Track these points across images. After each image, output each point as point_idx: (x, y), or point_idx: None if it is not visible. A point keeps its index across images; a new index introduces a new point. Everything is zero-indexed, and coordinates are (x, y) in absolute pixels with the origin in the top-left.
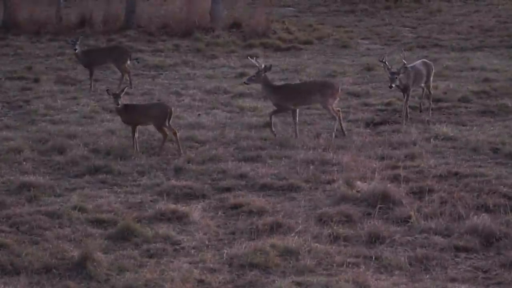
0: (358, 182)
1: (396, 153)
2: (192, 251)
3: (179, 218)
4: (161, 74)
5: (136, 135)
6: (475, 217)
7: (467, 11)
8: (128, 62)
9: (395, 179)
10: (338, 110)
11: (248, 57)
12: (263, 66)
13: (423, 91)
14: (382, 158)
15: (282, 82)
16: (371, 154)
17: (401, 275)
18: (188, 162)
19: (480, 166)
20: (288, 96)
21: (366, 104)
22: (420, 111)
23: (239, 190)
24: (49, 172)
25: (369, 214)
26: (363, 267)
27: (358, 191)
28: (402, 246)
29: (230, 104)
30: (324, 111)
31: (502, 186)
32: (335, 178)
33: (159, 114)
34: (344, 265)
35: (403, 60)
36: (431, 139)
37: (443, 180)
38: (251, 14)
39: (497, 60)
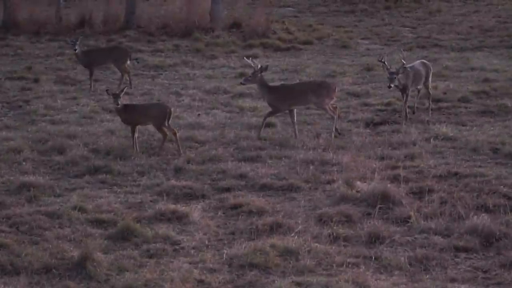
0: (358, 182)
1: (396, 153)
2: (192, 251)
3: (179, 218)
4: (161, 74)
5: (136, 135)
6: (475, 217)
7: (467, 11)
8: (128, 62)
9: (395, 179)
10: (335, 107)
11: (244, 58)
12: (259, 66)
13: (418, 93)
14: (382, 158)
15: (282, 82)
16: (371, 154)
17: (401, 275)
18: (188, 162)
19: (480, 166)
20: (283, 97)
21: (365, 104)
22: (413, 113)
23: (239, 190)
24: (49, 172)
25: (369, 214)
26: (363, 267)
27: (358, 191)
28: (402, 246)
29: (230, 104)
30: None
31: (502, 186)
32: (335, 178)
33: (158, 114)
34: (344, 265)
35: (402, 60)
36: (431, 139)
37: (443, 180)
38: (251, 14)
39: (497, 60)
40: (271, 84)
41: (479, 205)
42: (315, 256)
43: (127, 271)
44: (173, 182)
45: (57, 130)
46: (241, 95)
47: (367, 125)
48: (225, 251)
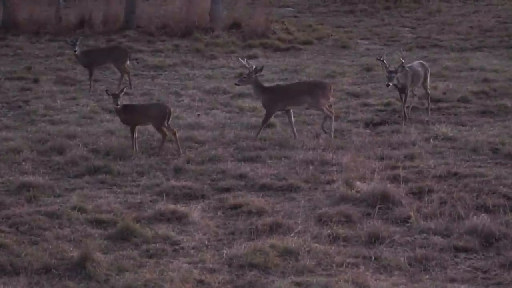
0: (358, 183)
1: (396, 153)
2: (192, 251)
3: (178, 219)
4: (161, 74)
5: (136, 135)
6: (475, 217)
7: (467, 12)
8: (128, 62)
9: (395, 179)
10: (330, 105)
11: (239, 58)
12: (254, 67)
13: (413, 97)
14: (382, 158)
15: (277, 83)
16: (370, 155)
17: (400, 275)
18: (188, 163)
19: (479, 166)
20: (278, 97)
21: (365, 105)
22: (406, 116)
23: (238, 190)
24: (48, 172)
25: (369, 214)
26: (363, 267)
27: (357, 192)
28: (402, 246)
29: (229, 105)
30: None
31: (501, 186)
32: (334, 179)
33: (158, 115)
34: (344, 265)
35: (401, 59)
36: (431, 139)
37: (442, 181)
38: (251, 14)
39: (497, 60)
40: (266, 84)
41: (478, 205)
42: (314, 256)
43: (127, 271)
44: (172, 182)
45: (57, 130)
46: (241, 95)
47: (366, 125)
48: (225, 251)
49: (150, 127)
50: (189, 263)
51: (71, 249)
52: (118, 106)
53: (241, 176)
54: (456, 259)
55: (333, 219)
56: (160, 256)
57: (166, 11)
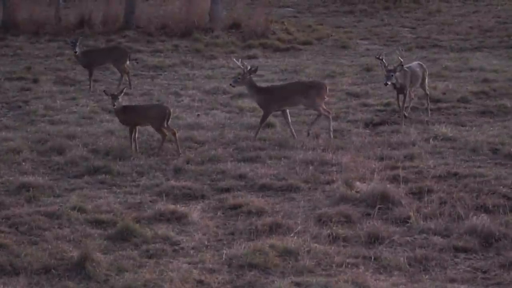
0: (358, 183)
1: (395, 153)
2: (192, 251)
3: (178, 219)
4: (160, 74)
5: (136, 135)
6: (474, 217)
7: (466, 12)
8: (128, 62)
9: (395, 179)
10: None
11: (234, 59)
12: (248, 68)
13: (409, 97)
14: (382, 158)
15: (281, 83)
16: (370, 155)
17: (400, 275)
18: (187, 163)
19: (479, 167)
20: (272, 98)
21: (365, 105)
22: (405, 116)
23: (238, 190)
24: (48, 173)
25: (369, 214)
26: (362, 267)
27: (357, 192)
28: (402, 246)
29: (229, 105)
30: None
31: (501, 187)
32: (334, 179)
33: (157, 116)
34: (344, 266)
35: (400, 58)
36: (430, 140)
37: (442, 181)
38: (250, 14)
39: (496, 60)
40: (261, 85)
41: (478, 206)
42: (314, 257)
43: (127, 271)
44: (172, 182)
45: (57, 131)
46: (241, 95)
47: (366, 125)
48: (225, 252)
49: (150, 128)
50: (189, 263)
51: (70, 249)
52: (115, 107)
53: (241, 176)
54: (455, 259)
55: (333, 219)
56: (159, 256)
57: (166, 11)
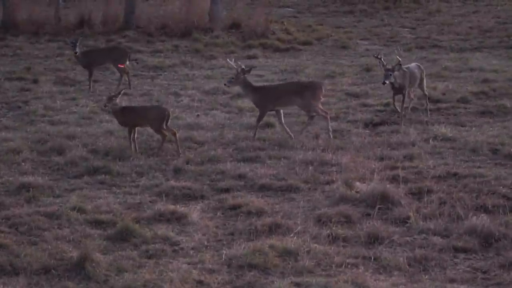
0: (357, 183)
1: (395, 153)
2: (191, 251)
3: (178, 219)
4: (160, 74)
5: (135, 136)
6: (474, 217)
7: (466, 12)
8: (127, 62)
9: (394, 179)
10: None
11: (227, 59)
12: (242, 67)
13: (408, 97)
14: (381, 158)
15: (279, 83)
16: (370, 155)
17: (400, 275)
18: (187, 163)
19: (479, 167)
20: (268, 97)
21: (365, 105)
22: (400, 117)
23: (238, 190)
24: (48, 173)
25: (368, 214)
26: (362, 267)
27: (357, 192)
28: (401, 246)
29: (229, 105)
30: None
31: (501, 187)
32: (334, 179)
33: (156, 117)
34: (343, 266)
35: (398, 57)
36: (430, 140)
37: (442, 181)
38: (250, 14)
39: (496, 60)
40: (256, 84)
41: (478, 206)
42: (314, 257)
43: (126, 271)
44: (172, 182)
45: (56, 131)
46: (240, 95)
47: (366, 125)
48: (224, 252)
49: (150, 128)
50: (189, 264)
51: (70, 249)
52: (107, 108)
53: (241, 177)
54: (455, 260)
55: (333, 219)
56: (159, 257)
57: (166, 12)
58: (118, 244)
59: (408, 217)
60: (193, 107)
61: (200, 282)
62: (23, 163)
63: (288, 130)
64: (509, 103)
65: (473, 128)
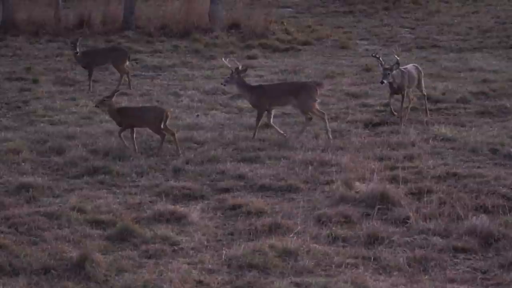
0: (357, 183)
1: (395, 154)
2: (191, 252)
3: (177, 219)
4: (160, 75)
5: (134, 135)
6: (474, 218)
7: (466, 12)
8: (127, 63)
9: (394, 180)
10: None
11: (222, 59)
12: (236, 67)
13: (403, 98)
14: (381, 159)
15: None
16: (370, 155)
17: (399, 275)
18: (187, 163)
19: (478, 167)
20: (263, 96)
21: (364, 105)
22: (400, 117)
23: (237, 191)
24: (47, 173)
25: (368, 215)
26: (362, 267)
27: (357, 192)
28: (401, 246)
29: (228, 105)
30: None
31: (500, 187)
32: (334, 179)
33: (154, 118)
34: (343, 266)
35: (396, 57)
36: (430, 140)
37: (441, 181)
38: (250, 14)
39: (496, 61)
40: (252, 84)
41: (478, 206)
42: (314, 257)
43: (126, 271)
44: (172, 182)
45: (56, 131)
46: (240, 95)
47: (366, 125)
48: (224, 252)
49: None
50: (188, 264)
51: (70, 249)
52: (98, 108)
53: (240, 177)
54: (455, 260)
55: (332, 219)
56: (159, 257)
57: (165, 12)
58: (118, 244)
59: (408, 217)
60: (193, 107)
61: (200, 282)
62: (22, 163)
63: (279, 129)
64: (508, 103)
65: (473, 128)
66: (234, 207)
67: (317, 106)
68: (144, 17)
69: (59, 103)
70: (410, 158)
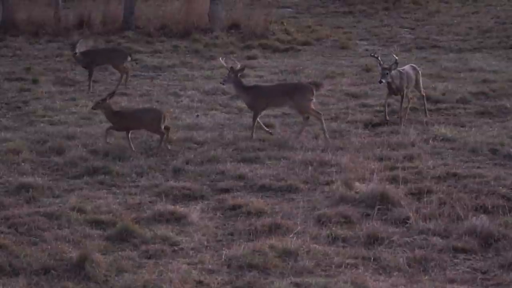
0: (357, 183)
1: (395, 154)
2: (191, 252)
3: (177, 219)
4: (160, 75)
5: (129, 134)
6: (474, 218)
7: (466, 12)
8: (128, 62)
9: (394, 180)
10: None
11: (220, 59)
12: (232, 67)
13: (402, 99)
14: (381, 159)
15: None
16: (369, 155)
17: (399, 276)
18: (187, 163)
19: (478, 167)
20: (259, 96)
21: (364, 105)
22: (400, 117)
23: (237, 191)
24: (47, 173)
25: (368, 215)
26: (362, 268)
27: (356, 192)
28: (401, 247)
29: (228, 105)
30: (323, 112)
31: (500, 187)
32: (333, 179)
33: (152, 120)
34: (343, 266)
35: (394, 56)
36: (430, 140)
37: (441, 181)
38: (250, 15)
39: (496, 61)
40: (248, 84)
41: (478, 206)
42: (314, 257)
43: (126, 272)
44: (172, 183)
45: (56, 131)
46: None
47: (365, 126)
48: (224, 252)
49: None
50: (188, 264)
51: (70, 249)
52: (93, 109)
53: (240, 177)
54: (455, 260)
55: (332, 219)
56: (159, 257)
57: (165, 12)
58: (118, 244)
59: (408, 218)
60: (193, 108)
61: (200, 282)
62: (22, 164)
63: (264, 127)
64: (508, 103)
65: (473, 129)
66: (234, 207)
67: (312, 106)
68: (144, 17)
69: (59, 103)
70: (410, 158)
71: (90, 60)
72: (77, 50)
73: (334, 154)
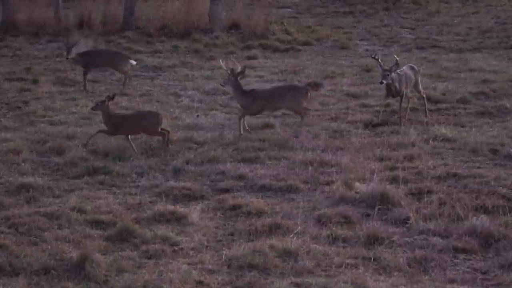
0: (357, 183)
1: (395, 154)
2: (191, 252)
3: (178, 219)
4: (160, 75)
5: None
6: (474, 218)
7: (466, 12)
8: (133, 65)
9: (394, 180)
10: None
11: (220, 61)
12: (232, 69)
13: (402, 99)
14: (381, 159)
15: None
16: (370, 155)
17: (399, 276)
18: (187, 163)
19: (478, 167)
20: (255, 101)
21: (364, 105)
22: (400, 117)
23: (238, 191)
24: (47, 173)
25: (368, 215)
26: (362, 268)
27: (357, 192)
28: (401, 247)
29: (228, 105)
30: (323, 112)
31: (500, 187)
32: (334, 179)
33: (150, 124)
34: (343, 266)
35: (395, 56)
36: (430, 140)
37: (441, 181)
38: (250, 15)
39: (496, 61)
40: (245, 88)
41: (478, 206)
42: (314, 257)
43: (126, 272)
44: (172, 183)
45: (56, 131)
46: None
47: (366, 126)
48: (224, 252)
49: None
50: (189, 264)
51: (70, 250)
52: (92, 109)
53: (241, 177)
54: (455, 260)
55: (333, 220)
56: (159, 257)
57: (165, 12)
58: (118, 244)
59: (408, 218)
60: (193, 108)
61: (200, 282)
62: (22, 164)
63: (246, 127)
64: (508, 103)
65: (473, 129)
66: (234, 208)
67: (305, 105)
68: (144, 17)
69: (59, 104)
70: (410, 158)
71: (90, 61)
72: (71, 55)
73: (334, 154)
